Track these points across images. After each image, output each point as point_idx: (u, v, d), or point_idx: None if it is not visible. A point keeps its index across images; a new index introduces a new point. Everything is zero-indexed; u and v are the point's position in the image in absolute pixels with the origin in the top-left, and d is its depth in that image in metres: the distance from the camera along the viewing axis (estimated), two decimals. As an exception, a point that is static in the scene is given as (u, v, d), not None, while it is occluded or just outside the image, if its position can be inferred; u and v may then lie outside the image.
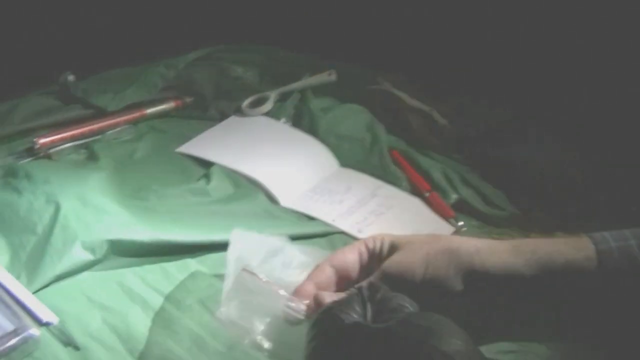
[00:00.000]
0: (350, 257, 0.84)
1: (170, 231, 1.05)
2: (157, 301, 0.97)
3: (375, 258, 0.84)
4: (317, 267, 0.85)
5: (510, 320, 0.76)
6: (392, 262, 0.80)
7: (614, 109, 1.28)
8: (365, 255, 0.84)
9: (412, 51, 1.50)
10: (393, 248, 0.82)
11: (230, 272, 0.89)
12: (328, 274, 0.84)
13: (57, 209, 1.04)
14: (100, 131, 1.31)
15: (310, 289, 0.82)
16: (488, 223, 1.20)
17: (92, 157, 1.25)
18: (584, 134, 1.25)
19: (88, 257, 1.00)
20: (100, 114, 1.35)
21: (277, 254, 0.93)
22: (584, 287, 0.72)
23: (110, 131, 1.32)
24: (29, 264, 0.99)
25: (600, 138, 1.24)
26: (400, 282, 0.77)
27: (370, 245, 0.84)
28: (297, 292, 0.83)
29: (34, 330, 0.88)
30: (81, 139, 1.28)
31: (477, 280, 0.75)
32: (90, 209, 1.05)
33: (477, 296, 0.75)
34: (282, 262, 0.92)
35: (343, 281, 0.84)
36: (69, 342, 0.89)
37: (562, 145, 1.28)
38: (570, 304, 0.73)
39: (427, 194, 1.22)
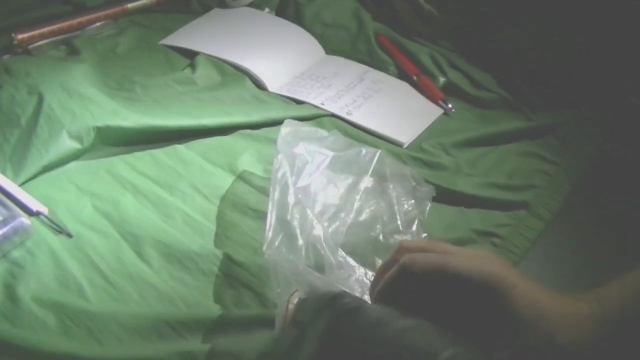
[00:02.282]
0: None
1: (158, 117, 1.04)
2: (148, 187, 0.97)
3: None
4: None
5: None
6: None
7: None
8: None
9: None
10: None
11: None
12: None
13: (41, 99, 1.02)
14: (81, 26, 1.28)
15: None
16: (477, 105, 1.19)
17: (72, 52, 1.22)
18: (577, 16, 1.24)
19: (75, 145, 0.99)
20: (80, 9, 1.32)
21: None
22: None
23: (91, 26, 1.29)
24: (13, 156, 0.98)
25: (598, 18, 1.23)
26: None
27: None
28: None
29: (25, 219, 0.87)
30: (61, 35, 1.25)
31: None
32: (75, 98, 1.04)
33: None
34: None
35: None
36: (61, 230, 0.89)
37: (555, 28, 1.26)
38: None
39: (415, 78, 1.21)
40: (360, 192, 0.90)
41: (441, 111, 1.16)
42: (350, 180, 0.92)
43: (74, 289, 0.82)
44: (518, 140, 1.12)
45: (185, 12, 1.38)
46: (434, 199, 0.96)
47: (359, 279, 0.84)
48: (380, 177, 0.92)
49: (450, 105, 1.16)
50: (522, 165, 1.07)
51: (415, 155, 1.05)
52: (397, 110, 1.15)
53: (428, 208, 0.94)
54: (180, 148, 1.03)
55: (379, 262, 0.85)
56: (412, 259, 0.72)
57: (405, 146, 1.08)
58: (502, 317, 0.69)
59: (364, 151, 0.93)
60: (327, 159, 0.92)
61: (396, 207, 0.90)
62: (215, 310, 0.81)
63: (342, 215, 0.89)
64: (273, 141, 1.04)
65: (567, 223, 0.99)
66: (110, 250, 0.87)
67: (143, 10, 1.37)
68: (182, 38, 1.28)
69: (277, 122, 1.08)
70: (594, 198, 1.03)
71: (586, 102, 1.18)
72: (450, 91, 1.21)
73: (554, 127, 1.14)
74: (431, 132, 1.12)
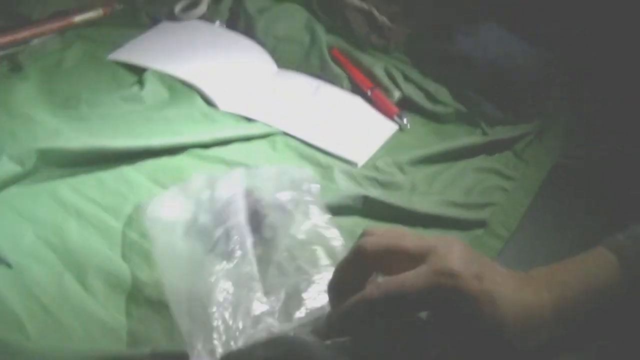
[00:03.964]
0: None
1: (104, 138, 1.01)
2: (93, 212, 0.93)
3: None
4: None
5: None
6: None
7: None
8: None
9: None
10: None
11: None
12: None
13: (-21, 119, 0.99)
14: (25, 41, 1.24)
15: None
16: (432, 119, 1.18)
17: (15, 68, 1.18)
18: (537, 27, 1.23)
19: (16, 169, 0.95)
20: (24, 23, 1.28)
21: None
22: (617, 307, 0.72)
23: (35, 41, 1.25)
24: (-51, 179, 0.94)
25: (556, 32, 1.22)
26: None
27: None
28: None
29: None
30: (3, 50, 1.21)
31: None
32: (16, 119, 1.01)
33: None
34: None
35: None
36: (0, 261, 0.85)
37: (516, 41, 1.25)
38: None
39: (369, 92, 1.19)
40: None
41: (396, 126, 1.14)
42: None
43: (12, 324, 0.78)
44: (475, 156, 1.10)
45: (133, 25, 1.34)
46: (391, 220, 0.94)
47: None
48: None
49: (405, 121, 1.14)
50: (479, 181, 1.05)
51: (370, 175, 1.03)
52: (350, 127, 1.12)
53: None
54: (127, 170, 1.00)
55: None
56: (364, 240, 0.72)
57: (359, 165, 1.06)
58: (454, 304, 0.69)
59: None
60: None
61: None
62: (163, 345, 0.78)
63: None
64: (224, 162, 1.03)
65: (525, 238, 0.97)
66: (52, 281, 0.83)
67: (90, 23, 1.33)
68: (130, 53, 1.24)
69: (228, 142, 1.06)
70: (552, 211, 1.02)
71: (543, 114, 1.17)
72: (405, 105, 1.19)
73: (511, 141, 1.12)
74: (386, 149, 1.10)
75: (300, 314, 0.78)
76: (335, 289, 0.74)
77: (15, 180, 0.96)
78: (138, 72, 1.20)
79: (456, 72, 1.23)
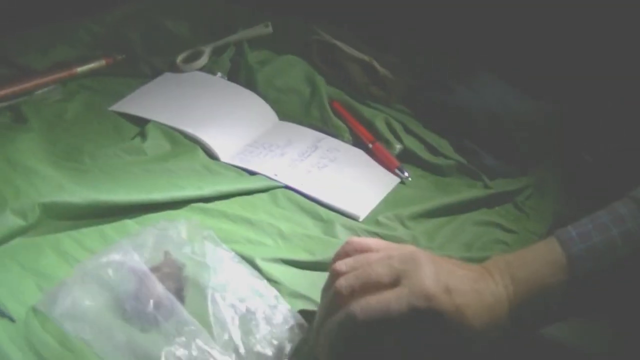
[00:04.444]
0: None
1: (106, 192, 1.01)
2: (95, 265, 0.93)
3: None
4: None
5: None
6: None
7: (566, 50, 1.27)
8: None
9: (349, 4, 1.46)
10: None
11: None
12: None
13: (-17, 173, 0.99)
14: (27, 92, 1.24)
15: None
16: (433, 172, 1.19)
17: (18, 118, 1.18)
18: (535, 79, 1.24)
19: (19, 222, 0.95)
20: (26, 73, 1.29)
21: None
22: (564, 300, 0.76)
23: (38, 91, 1.25)
24: (-46, 233, 0.94)
25: (553, 83, 1.23)
26: None
27: None
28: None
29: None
30: (6, 100, 1.21)
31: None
32: (20, 172, 1.01)
33: None
34: None
35: None
36: (2, 314, 0.84)
37: (511, 90, 1.26)
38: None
39: (370, 145, 1.20)
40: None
41: (397, 180, 1.15)
42: None
43: (15, 380, 0.77)
44: (476, 209, 1.11)
45: (135, 76, 1.35)
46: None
47: None
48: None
49: (406, 174, 1.15)
50: (480, 235, 1.06)
51: (371, 230, 1.03)
52: (352, 181, 1.13)
53: None
54: (129, 223, 1.00)
55: None
56: (339, 284, 0.76)
57: (360, 219, 1.06)
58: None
59: None
60: None
61: None
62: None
63: None
64: (225, 215, 1.02)
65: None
66: (54, 335, 0.82)
67: (92, 73, 1.34)
68: (132, 104, 1.25)
69: (230, 195, 1.06)
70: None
71: (543, 165, 1.18)
72: (406, 158, 1.20)
73: (512, 194, 1.13)
74: (387, 202, 1.10)
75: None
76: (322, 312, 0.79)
77: (18, 233, 0.95)
78: (140, 123, 1.21)
79: (455, 123, 1.24)
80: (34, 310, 0.84)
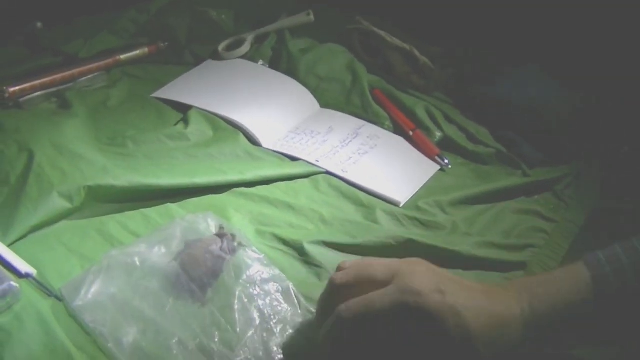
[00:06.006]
0: None
1: (150, 176, 1.02)
2: (138, 247, 0.94)
3: None
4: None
5: None
6: None
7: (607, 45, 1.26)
8: None
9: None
10: None
11: None
12: None
13: (31, 157, 1.01)
14: (72, 78, 1.26)
15: None
16: (473, 160, 1.19)
17: (64, 105, 1.20)
18: (575, 73, 1.23)
19: (65, 205, 0.97)
20: (72, 61, 1.30)
21: None
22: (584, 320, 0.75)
23: (83, 78, 1.27)
24: (3, 215, 0.95)
25: (593, 76, 1.22)
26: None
27: None
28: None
29: (13, 282, 0.85)
30: (52, 87, 1.23)
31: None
32: (66, 156, 1.03)
33: None
34: None
35: None
36: (50, 294, 0.86)
37: (553, 83, 1.26)
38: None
39: (411, 132, 1.20)
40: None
41: (437, 167, 1.15)
42: None
43: (62, 358, 0.78)
44: (515, 197, 1.11)
45: (177, 64, 1.37)
46: (431, 261, 0.93)
47: None
48: None
49: (446, 161, 1.15)
50: (519, 223, 1.06)
51: (412, 215, 1.04)
52: (393, 168, 1.14)
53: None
54: (172, 207, 1.01)
55: None
56: (335, 275, 0.80)
57: (401, 205, 1.06)
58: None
59: None
60: None
61: None
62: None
63: None
64: (267, 200, 1.03)
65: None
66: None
67: (135, 61, 1.36)
68: (175, 91, 1.26)
69: (272, 180, 1.07)
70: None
71: (582, 156, 1.17)
72: (446, 146, 1.20)
73: (551, 183, 1.13)
74: (428, 189, 1.11)
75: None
76: (319, 317, 0.81)
77: (64, 215, 0.98)
78: (182, 109, 1.22)
79: (496, 113, 1.23)
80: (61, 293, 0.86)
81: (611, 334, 0.77)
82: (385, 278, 0.76)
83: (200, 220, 0.94)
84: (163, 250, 0.90)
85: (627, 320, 0.75)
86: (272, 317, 0.85)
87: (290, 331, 0.84)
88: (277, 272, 0.91)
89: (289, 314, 0.86)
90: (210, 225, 0.94)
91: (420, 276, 0.75)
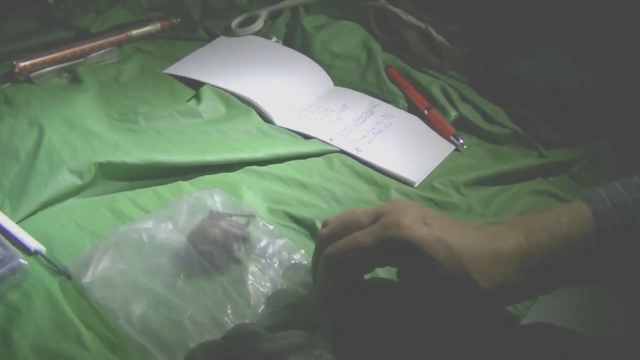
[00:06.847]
0: None
1: (162, 152, 1.02)
2: (150, 224, 0.93)
3: None
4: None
5: None
6: None
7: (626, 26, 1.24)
8: None
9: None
10: None
11: None
12: None
13: (41, 132, 1.01)
14: (84, 53, 1.25)
15: None
16: (488, 140, 1.17)
17: (75, 80, 1.19)
18: (593, 52, 1.21)
19: (76, 181, 0.97)
20: (83, 35, 1.29)
21: None
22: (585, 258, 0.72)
23: (94, 53, 1.26)
24: (12, 191, 0.95)
25: (613, 56, 1.20)
26: None
27: None
28: None
29: (22, 259, 0.84)
30: (63, 62, 1.22)
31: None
32: (77, 132, 1.02)
33: None
34: None
35: None
36: (59, 271, 0.85)
37: (568, 62, 1.24)
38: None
39: (426, 112, 1.18)
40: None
41: (452, 147, 1.13)
42: None
43: (71, 334, 0.78)
44: (531, 178, 1.09)
45: (190, 39, 1.36)
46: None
47: None
48: None
49: (462, 141, 1.14)
50: (535, 204, 1.04)
51: (426, 195, 1.02)
52: (407, 147, 1.12)
53: None
54: (183, 184, 1.00)
55: None
56: (321, 232, 0.80)
57: (416, 185, 1.05)
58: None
59: None
60: None
61: None
62: None
63: None
64: (279, 179, 1.02)
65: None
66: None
67: (147, 37, 1.34)
68: (187, 67, 1.25)
69: (285, 159, 1.06)
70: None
71: (600, 137, 1.16)
72: (462, 125, 1.18)
73: (567, 164, 1.11)
74: (442, 169, 1.09)
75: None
76: (313, 275, 0.81)
77: (75, 192, 0.97)
78: (194, 86, 1.21)
79: (512, 93, 1.22)
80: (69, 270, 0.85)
81: (607, 276, 0.74)
82: (371, 221, 0.75)
83: (206, 197, 0.94)
84: (170, 226, 0.89)
85: (626, 261, 0.72)
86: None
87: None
88: (289, 242, 0.90)
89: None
90: (216, 202, 0.93)
91: (405, 212, 0.74)
